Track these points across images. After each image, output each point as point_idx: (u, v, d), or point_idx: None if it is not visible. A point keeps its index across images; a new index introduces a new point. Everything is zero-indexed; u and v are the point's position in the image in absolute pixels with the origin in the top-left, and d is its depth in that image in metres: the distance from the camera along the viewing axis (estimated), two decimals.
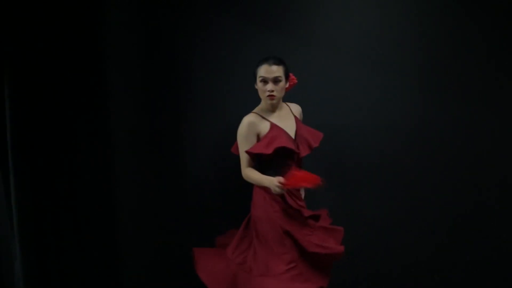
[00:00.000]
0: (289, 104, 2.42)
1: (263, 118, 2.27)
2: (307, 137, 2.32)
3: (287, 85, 2.29)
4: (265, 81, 2.18)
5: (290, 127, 2.31)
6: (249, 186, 2.38)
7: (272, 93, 2.18)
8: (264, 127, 2.24)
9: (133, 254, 2.74)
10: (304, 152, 2.29)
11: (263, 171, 2.24)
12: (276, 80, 2.18)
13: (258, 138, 2.24)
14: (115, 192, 2.69)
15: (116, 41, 2.65)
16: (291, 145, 2.22)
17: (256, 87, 2.27)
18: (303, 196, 2.42)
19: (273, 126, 2.25)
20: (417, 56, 2.71)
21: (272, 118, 2.28)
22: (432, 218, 2.74)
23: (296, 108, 2.43)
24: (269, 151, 2.16)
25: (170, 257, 2.76)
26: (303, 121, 2.47)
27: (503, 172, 2.71)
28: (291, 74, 2.33)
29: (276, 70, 2.18)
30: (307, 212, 2.33)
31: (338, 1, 2.71)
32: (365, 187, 2.77)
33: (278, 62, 2.21)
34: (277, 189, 2.08)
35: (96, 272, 2.58)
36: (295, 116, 2.38)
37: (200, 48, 2.74)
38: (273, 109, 2.30)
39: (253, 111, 2.32)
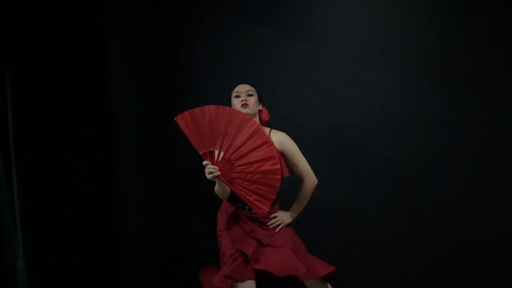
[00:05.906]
0: (274, 131, 2.31)
1: None
2: None
3: (260, 107, 2.33)
4: (238, 96, 2.29)
5: None
6: None
7: (245, 101, 2.24)
8: None
9: (135, 252, 2.76)
10: None
11: None
12: (248, 94, 2.28)
13: None
14: (117, 191, 2.71)
15: (117, 40, 2.66)
16: None
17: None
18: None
19: None
20: (424, 54, 2.64)
21: None
22: (438, 218, 2.70)
23: (278, 137, 2.29)
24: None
25: (171, 256, 2.77)
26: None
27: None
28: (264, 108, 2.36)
29: (249, 88, 2.31)
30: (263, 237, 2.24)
31: None
32: (370, 186, 2.73)
33: (252, 84, 2.34)
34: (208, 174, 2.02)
35: (97, 270, 2.61)
36: None
37: (201, 46, 2.73)
38: None
39: None
